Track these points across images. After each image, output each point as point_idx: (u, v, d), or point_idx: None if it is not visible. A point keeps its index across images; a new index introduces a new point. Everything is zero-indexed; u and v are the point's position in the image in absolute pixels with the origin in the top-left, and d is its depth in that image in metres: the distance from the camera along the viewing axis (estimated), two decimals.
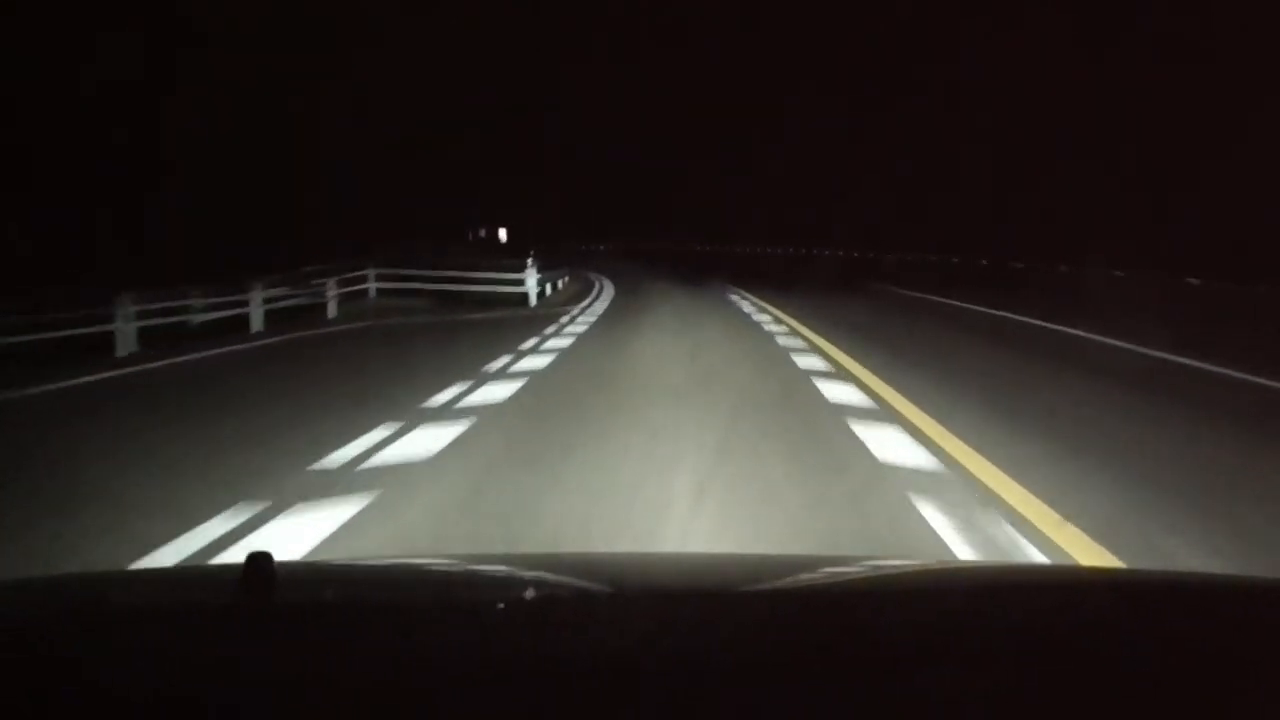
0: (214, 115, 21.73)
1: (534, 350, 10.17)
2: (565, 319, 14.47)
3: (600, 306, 17.84)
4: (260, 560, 1.08)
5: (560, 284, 24.14)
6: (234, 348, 10.79)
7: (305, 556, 3.41)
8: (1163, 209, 24.98)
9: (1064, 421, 6.35)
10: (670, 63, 79.95)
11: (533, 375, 8.26)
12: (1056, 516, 3.98)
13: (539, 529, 3.97)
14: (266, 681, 0.89)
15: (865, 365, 8.69)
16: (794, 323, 13.05)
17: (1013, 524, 3.90)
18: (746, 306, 17.30)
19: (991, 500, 4.27)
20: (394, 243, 24.86)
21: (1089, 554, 3.52)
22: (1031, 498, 4.27)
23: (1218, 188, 22.88)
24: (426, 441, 5.48)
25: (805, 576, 1.52)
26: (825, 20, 63.01)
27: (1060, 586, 1.48)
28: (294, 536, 3.72)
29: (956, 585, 1.47)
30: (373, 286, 17.98)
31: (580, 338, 11.67)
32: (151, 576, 2.13)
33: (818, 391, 7.40)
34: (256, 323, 12.67)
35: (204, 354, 10.20)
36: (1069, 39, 32.10)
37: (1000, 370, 9.27)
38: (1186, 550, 3.64)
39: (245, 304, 13.08)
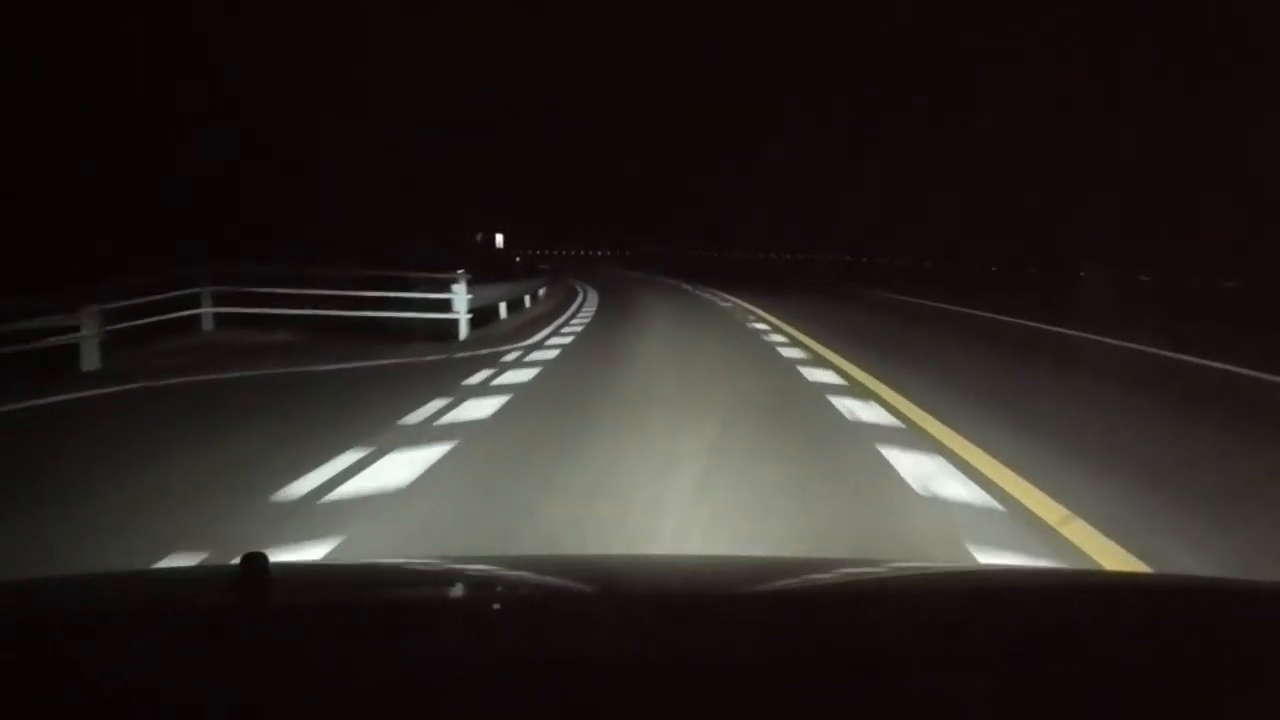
0: (213, 116, 20.82)
1: (333, 487, 4.19)
2: (487, 375, 8.36)
3: (564, 340, 11.82)
4: (256, 561, 1.08)
5: (530, 300, 18.39)
6: None
7: None
8: (1163, 211, 24.74)
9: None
10: (670, 63, 77.57)
11: None
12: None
13: None
14: (263, 682, 0.88)
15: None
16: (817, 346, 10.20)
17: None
18: (787, 350, 11.26)
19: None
20: (395, 244, 23.72)
21: None
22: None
23: (1217, 192, 22.55)
24: None
25: (805, 578, 1.51)
26: (825, 20, 62.86)
27: (1062, 589, 1.43)
28: None
29: (957, 587, 1.43)
30: (208, 313, 11.87)
31: (476, 432, 5.65)
32: (148, 577, 1.98)
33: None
34: None
35: None
36: (1072, 40, 31.39)
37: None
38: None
39: None
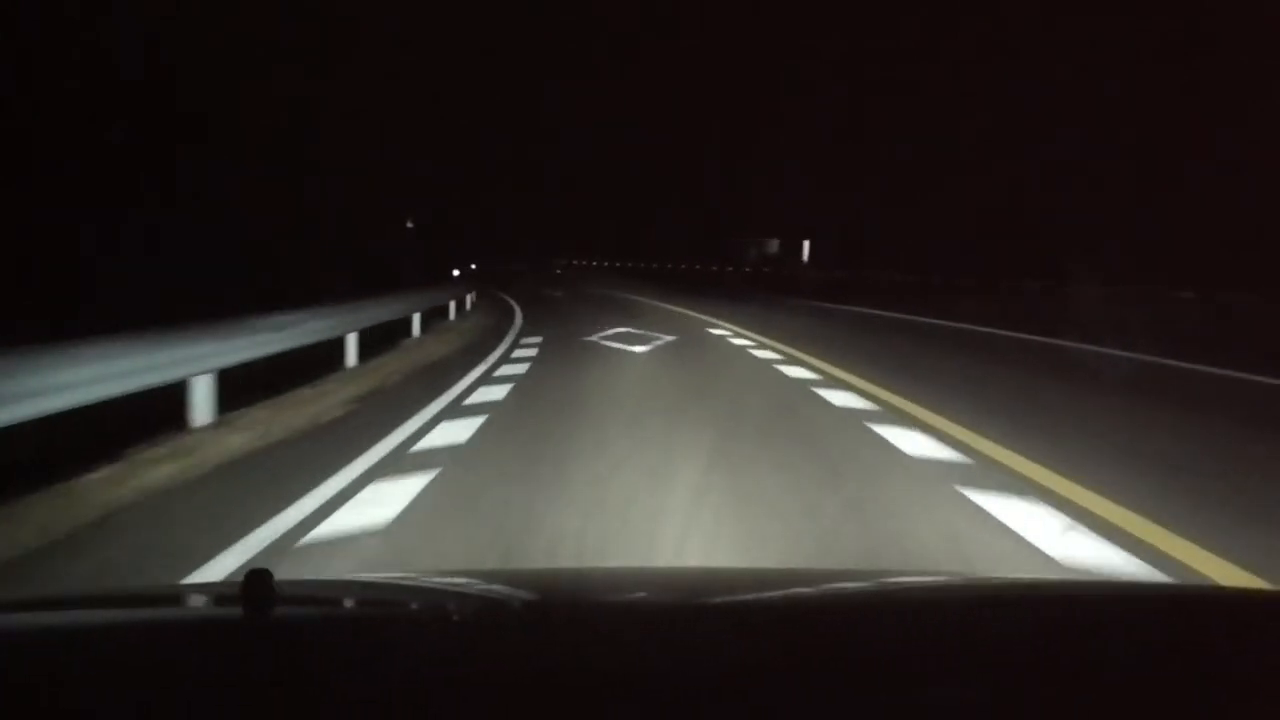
0: (225, 122, 20.92)
1: None
2: None
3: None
4: (260, 577, 1.09)
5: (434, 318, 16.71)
6: None
7: None
8: (1160, 216, 25.64)
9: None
10: (668, 64, 76.32)
11: None
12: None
13: None
14: (266, 697, 0.89)
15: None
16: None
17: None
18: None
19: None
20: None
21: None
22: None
23: (1211, 194, 24.05)
24: None
25: (804, 589, 1.52)
26: (822, 19, 61.11)
27: (1061, 600, 1.45)
28: None
29: (957, 598, 1.45)
30: None
31: None
32: (153, 593, 2.02)
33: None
34: None
35: None
36: (1076, 42, 32.71)
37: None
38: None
39: None
